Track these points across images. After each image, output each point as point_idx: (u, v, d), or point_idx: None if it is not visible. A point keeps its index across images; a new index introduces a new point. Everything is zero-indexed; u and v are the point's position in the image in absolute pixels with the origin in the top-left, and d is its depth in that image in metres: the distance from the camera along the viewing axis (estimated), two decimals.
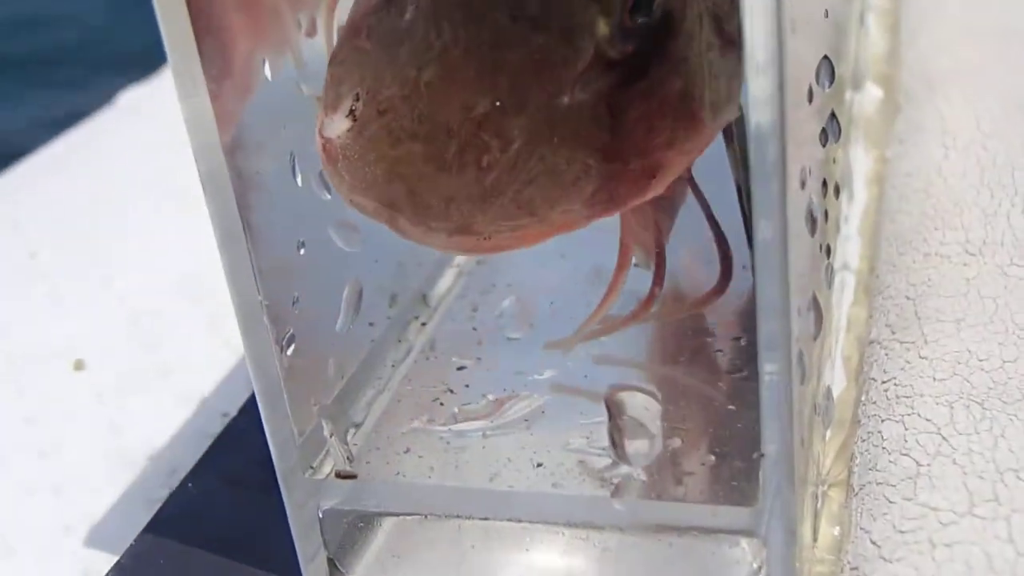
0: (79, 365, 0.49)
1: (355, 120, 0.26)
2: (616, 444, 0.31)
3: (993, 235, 0.43)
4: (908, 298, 0.41)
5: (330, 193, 0.32)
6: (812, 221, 0.31)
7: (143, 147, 0.72)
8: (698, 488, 0.30)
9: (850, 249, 0.47)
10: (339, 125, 0.26)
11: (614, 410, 0.31)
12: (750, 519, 0.29)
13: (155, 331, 0.51)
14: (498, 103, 0.26)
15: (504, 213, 0.27)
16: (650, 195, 0.29)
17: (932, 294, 0.41)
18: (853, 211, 0.50)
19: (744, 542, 0.30)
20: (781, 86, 0.25)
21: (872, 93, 0.60)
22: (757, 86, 0.25)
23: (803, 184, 0.28)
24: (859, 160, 0.54)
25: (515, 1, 0.26)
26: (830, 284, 0.37)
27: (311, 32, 0.32)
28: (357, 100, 0.26)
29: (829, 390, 0.38)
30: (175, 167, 0.64)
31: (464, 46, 0.26)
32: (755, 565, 0.30)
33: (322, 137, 0.27)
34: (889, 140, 0.55)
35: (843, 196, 0.48)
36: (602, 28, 0.27)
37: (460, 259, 0.41)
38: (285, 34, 0.31)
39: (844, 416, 0.38)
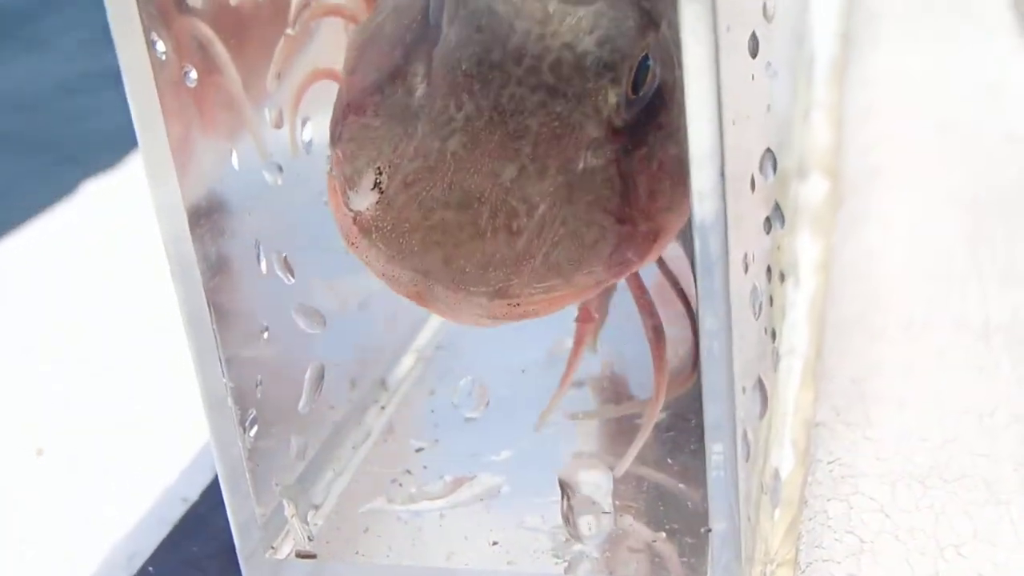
0: (40, 452, 0.49)
1: (382, 192, 0.27)
2: (570, 522, 0.32)
3: (931, 319, 0.45)
4: (853, 381, 0.43)
5: (293, 277, 0.33)
6: (757, 306, 0.32)
7: (105, 238, 0.72)
8: (649, 565, 0.31)
9: (797, 334, 0.48)
10: (367, 198, 0.28)
11: (568, 489, 0.32)
12: None
13: (115, 417, 0.52)
14: (523, 169, 0.27)
15: (536, 276, 0.28)
16: (652, 258, 0.30)
17: (875, 376, 0.42)
18: (800, 297, 0.51)
19: None
20: (722, 178, 0.26)
21: (818, 184, 0.62)
22: (700, 178, 0.26)
23: (746, 268, 0.30)
24: (806, 248, 0.55)
25: (531, 72, 0.28)
26: (776, 367, 0.38)
27: (279, 124, 0.33)
28: (380, 173, 0.28)
29: (777, 471, 0.39)
30: (135, 258, 0.65)
31: (487, 116, 0.28)
32: None
33: (351, 211, 0.28)
34: (833, 229, 0.56)
35: (789, 283, 0.49)
36: (611, 97, 0.28)
37: (419, 344, 0.42)
38: (252, 126, 0.32)
39: (792, 496, 0.39)
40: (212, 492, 0.43)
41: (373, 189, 0.28)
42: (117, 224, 0.73)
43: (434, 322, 0.43)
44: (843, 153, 0.64)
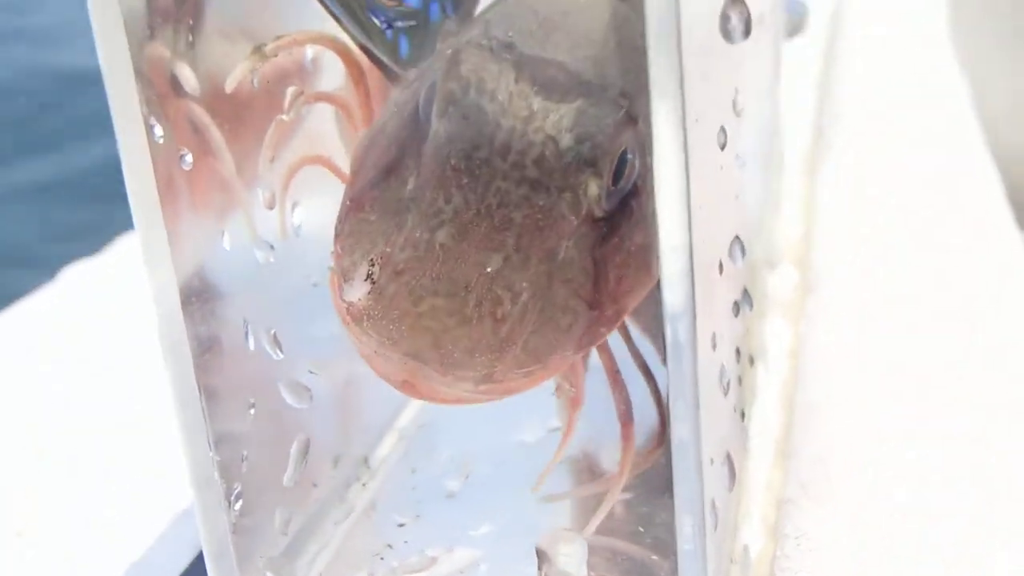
0: (19, 534, 0.50)
1: (373, 283, 0.29)
2: None
3: (889, 393, 0.47)
4: (817, 458, 0.44)
5: (282, 352, 0.34)
6: (725, 383, 0.34)
7: (85, 324, 0.73)
8: None
9: (768, 417, 0.50)
10: (360, 289, 0.29)
11: (545, 558, 0.33)
12: None
13: (95, 499, 0.52)
14: (507, 259, 0.29)
15: (518, 361, 0.29)
16: (608, 334, 0.32)
17: (838, 454, 0.44)
18: (771, 382, 0.53)
19: None
20: (691, 265, 0.28)
21: (788, 274, 0.64)
22: (669, 266, 0.28)
23: (714, 347, 0.31)
24: (776, 335, 0.57)
25: (516, 167, 0.29)
26: (746, 445, 0.40)
27: (271, 205, 0.35)
28: (373, 265, 0.29)
29: (747, 548, 0.40)
30: (117, 342, 0.66)
31: (474, 208, 0.29)
32: None
33: (344, 301, 0.29)
34: (802, 317, 0.58)
35: (759, 367, 0.51)
36: (592, 189, 0.30)
37: (401, 424, 0.43)
38: (245, 207, 0.34)
39: (761, 572, 0.40)
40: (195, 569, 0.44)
41: (366, 280, 0.29)
42: (97, 309, 0.74)
43: (416, 402, 0.44)
44: (813, 238, 0.66)
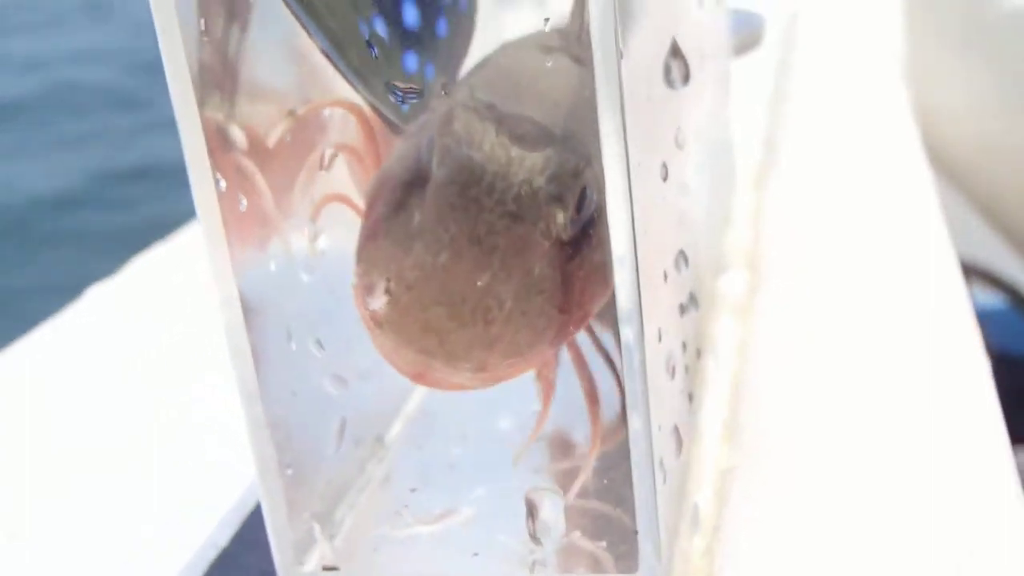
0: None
1: (390, 295, 0.38)
2: (532, 535, 0.42)
3: (824, 377, 0.56)
4: (761, 431, 0.53)
5: (324, 350, 0.43)
6: (671, 370, 0.43)
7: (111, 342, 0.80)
8: (592, 564, 0.41)
9: (719, 402, 0.59)
10: (380, 300, 0.38)
11: (532, 508, 0.42)
12: None
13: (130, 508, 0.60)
14: (494, 276, 0.37)
15: (505, 354, 0.38)
16: (575, 334, 0.40)
17: (779, 424, 0.53)
18: (721, 375, 0.61)
19: None
20: (637, 275, 0.37)
21: (737, 277, 0.73)
22: (619, 276, 0.37)
23: (660, 339, 0.40)
24: (726, 332, 0.66)
25: (499, 203, 0.38)
26: (695, 424, 0.49)
27: (303, 233, 0.43)
28: (389, 282, 0.38)
29: (696, 506, 0.49)
30: (143, 360, 0.73)
31: (467, 237, 0.38)
32: None
33: (367, 310, 0.38)
34: (751, 314, 0.67)
35: (709, 360, 0.60)
36: (560, 219, 0.39)
37: (408, 410, 0.52)
38: (284, 237, 0.42)
39: (708, 526, 0.49)
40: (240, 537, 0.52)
41: (384, 294, 0.38)
42: (122, 327, 0.82)
43: (419, 393, 0.53)
44: (762, 244, 0.75)
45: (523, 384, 0.48)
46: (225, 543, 0.52)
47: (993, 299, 1.56)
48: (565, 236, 0.39)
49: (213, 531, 0.54)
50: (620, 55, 0.35)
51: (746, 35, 1.27)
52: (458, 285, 0.38)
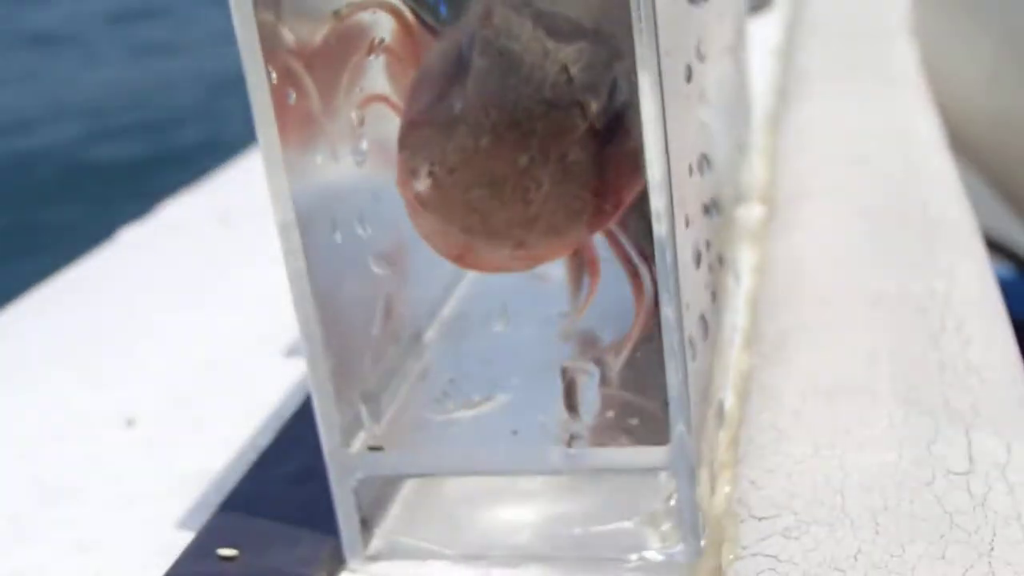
0: (130, 422, 0.61)
1: (434, 178, 0.40)
2: (570, 407, 0.44)
3: (835, 292, 0.58)
4: (777, 337, 0.55)
5: (366, 232, 0.45)
6: (698, 258, 0.45)
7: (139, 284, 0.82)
8: (626, 436, 0.43)
9: (738, 316, 0.61)
10: (424, 183, 0.40)
11: (568, 382, 0.44)
12: (664, 457, 0.42)
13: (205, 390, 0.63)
14: (532, 158, 0.40)
15: (542, 232, 0.41)
16: (613, 222, 0.43)
17: (795, 330, 0.55)
18: (741, 291, 0.64)
19: (661, 474, 0.43)
20: (668, 171, 0.39)
21: (755, 209, 0.75)
22: (652, 171, 0.38)
23: (687, 224, 0.42)
24: (745, 256, 0.68)
25: (537, 90, 0.40)
26: (715, 318, 0.51)
27: (347, 130, 0.45)
28: (432, 165, 0.40)
29: (721, 402, 0.51)
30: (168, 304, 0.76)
31: (506, 122, 0.40)
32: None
33: (411, 193, 0.40)
34: (767, 240, 0.69)
35: (730, 277, 0.62)
36: (593, 107, 0.41)
37: (443, 315, 0.54)
38: (328, 134, 0.44)
39: (732, 420, 0.51)
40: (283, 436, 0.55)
41: (427, 176, 0.40)
42: (152, 270, 0.84)
43: (455, 298, 0.55)
44: (777, 180, 0.78)
45: (553, 290, 0.51)
46: (266, 443, 0.55)
47: (1002, 268, 1.58)
48: (598, 124, 0.41)
49: (255, 433, 0.56)
50: None
51: None
52: (498, 166, 0.40)
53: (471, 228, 0.40)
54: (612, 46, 0.42)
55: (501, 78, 0.40)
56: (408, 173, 0.41)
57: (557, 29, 0.41)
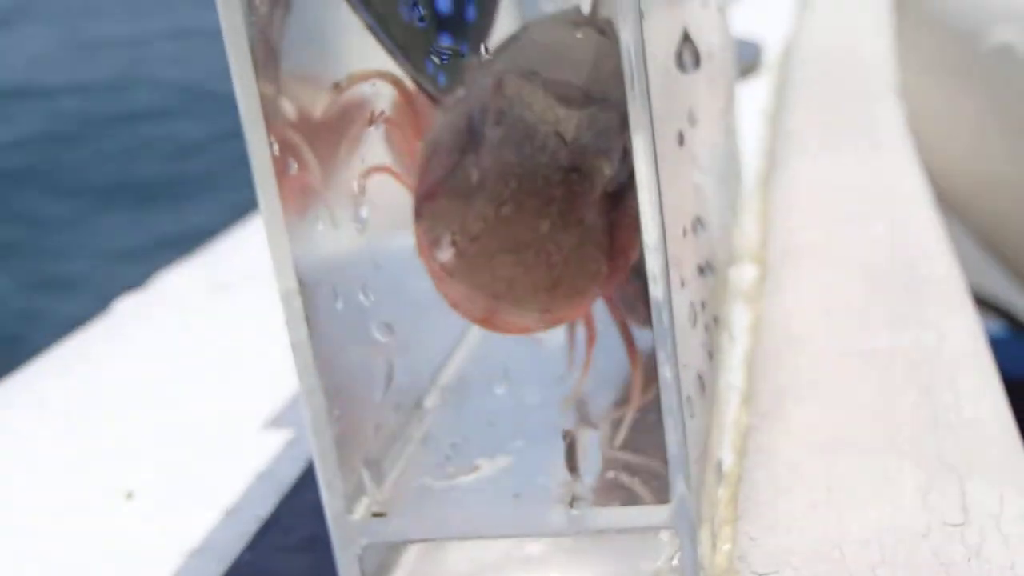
0: (129, 495, 0.61)
1: (456, 247, 0.41)
2: (571, 468, 0.44)
3: (828, 349, 0.59)
4: (773, 395, 0.56)
5: (368, 300, 0.46)
6: (694, 318, 0.46)
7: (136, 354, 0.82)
8: (627, 497, 0.44)
9: (734, 374, 0.62)
10: (447, 252, 0.41)
11: (569, 443, 0.44)
12: (666, 516, 0.42)
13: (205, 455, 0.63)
14: (553, 224, 0.41)
15: (566, 295, 0.42)
16: (623, 279, 0.44)
17: (791, 388, 0.56)
18: (736, 350, 0.64)
19: (663, 534, 0.43)
20: (663, 232, 0.39)
21: (748, 269, 0.76)
22: (648, 234, 0.39)
23: (683, 285, 0.43)
24: (739, 315, 0.69)
25: (553, 158, 0.41)
26: (712, 375, 0.52)
27: (347, 201, 0.46)
28: (454, 235, 0.41)
29: (720, 461, 0.52)
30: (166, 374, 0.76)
31: (526, 190, 0.41)
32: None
33: (435, 262, 0.42)
34: (761, 299, 0.70)
35: (725, 336, 0.63)
36: (607, 171, 0.42)
37: (442, 381, 0.55)
38: (329, 203, 0.45)
39: (732, 479, 0.52)
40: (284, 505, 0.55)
41: (450, 246, 0.41)
42: (149, 340, 0.85)
43: (455, 362, 0.56)
44: (768, 241, 0.79)
45: (556, 354, 0.51)
46: (268, 513, 0.55)
47: (992, 325, 1.59)
48: (611, 188, 0.42)
49: (255, 503, 0.57)
50: (642, 17, 0.38)
51: (744, 61, 1.32)
52: (521, 233, 0.41)
53: (498, 294, 0.41)
54: (621, 112, 0.43)
55: (517, 147, 0.41)
56: (430, 243, 0.42)
57: (567, 97, 0.42)
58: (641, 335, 0.47)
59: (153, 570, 0.53)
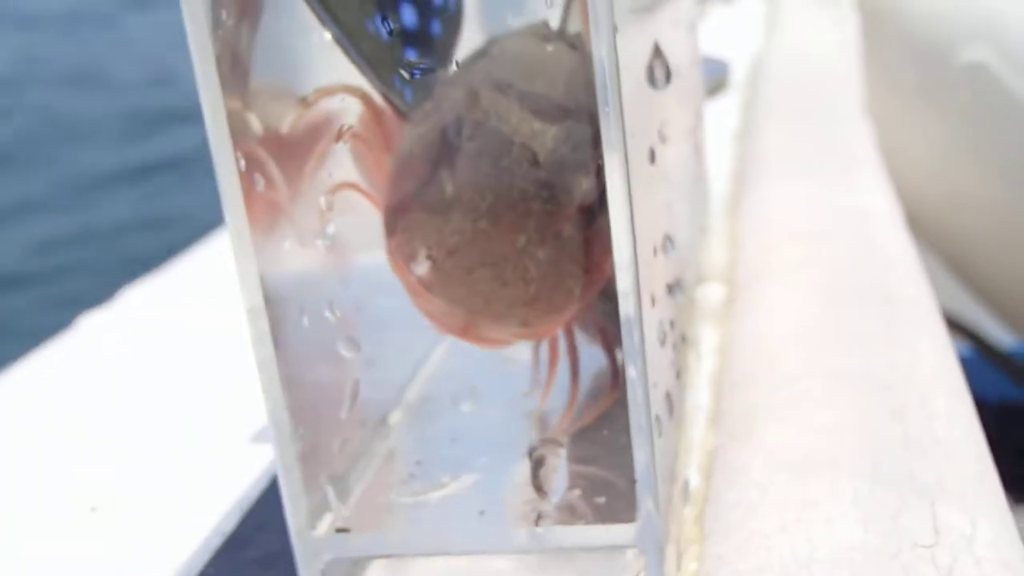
0: (93, 509, 0.60)
1: (432, 261, 0.40)
2: (538, 487, 0.44)
3: (797, 369, 0.58)
4: (742, 415, 0.56)
5: (335, 316, 0.45)
6: (663, 337, 0.45)
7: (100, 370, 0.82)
8: (593, 515, 0.44)
9: (701, 395, 0.61)
10: (423, 266, 0.41)
11: (536, 461, 0.44)
12: (632, 534, 0.42)
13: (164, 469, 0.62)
14: (529, 238, 0.40)
15: (544, 310, 0.42)
16: (595, 294, 0.43)
17: (760, 408, 0.55)
18: (703, 370, 0.64)
19: (629, 552, 0.43)
20: (634, 248, 0.39)
21: (715, 290, 0.76)
22: (618, 252, 0.39)
23: (653, 304, 0.43)
24: (706, 335, 0.69)
25: (529, 171, 0.41)
26: (679, 393, 0.51)
27: (315, 217, 0.46)
28: (430, 249, 0.41)
29: (687, 481, 0.52)
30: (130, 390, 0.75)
31: (503, 203, 0.41)
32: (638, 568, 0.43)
33: (411, 276, 0.41)
34: (728, 320, 0.70)
35: (692, 356, 0.63)
36: (584, 184, 0.41)
37: (407, 398, 0.54)
38: (294, 219, 0.45)
39: (698, 499, 0.52)
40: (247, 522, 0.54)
41: (426, 260, 0.41)
42: (113, 356, 0.84)
43: (421, 379, 0.55)
44: (737, 261, 0.78)
45: (520, 372, 0.51)
46: (231, 528, 0.54)
47: (959, 346, 1.60)
48: (587, 201, 0.42)
49: (220, 520, 0.56)
50: (615, 31, 0.38)
51: (712, 80, 1.32)
52: (498, 247, 0.41)
53: (476, 309, 0.41)
54: (596, 126, 0.43)
55: (493, 160, 0.41)
56: (404, 257, 0.41)
57: (542, 110, 0.42)
58: (594, 355, 0.47)
59: None
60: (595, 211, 0.42)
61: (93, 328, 0.89)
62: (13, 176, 3.96)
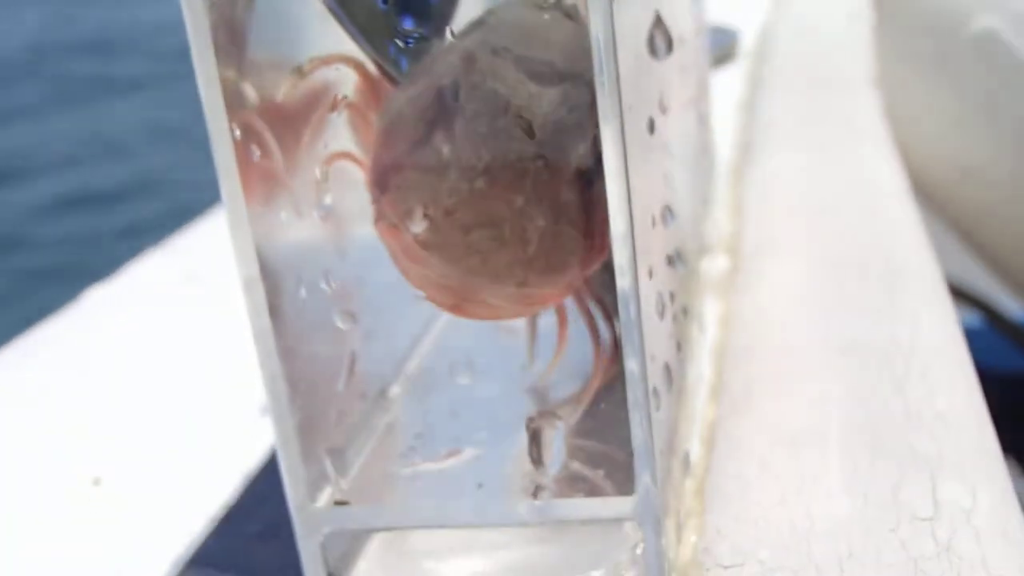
0: (96, 481, 0.60)
1: (430, 220, 0.40)
2: (535, 459, 0.44)
3: (800, 341, 0.58)
4: (743, 388, 0.55)
5: (331, 288, 0.45)
6: (662, 309, 0.45)
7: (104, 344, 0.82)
8: (590, 488, 0.43)
9: (704, 367, 0.61)
10: (420, 225, 0.40)
11: (533, 433, 0.44)
12: (630, 507, 0.42)
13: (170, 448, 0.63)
14: (527, 198, 0.40)
15: (543, 271, 0.41)
16: (600, 262, 0.43)
17: (761, 380, 0.55)
18: (705, 341, 0.64)
19: (627, 525, 0.43)
20: (631, 219, 0.39)
21: (719, 260, 0.76)
22: (616, 224, 0.39)
23: (651, 276, 0.42)
24: (709, 307, 0.69)
25: (527, 133, 0.40)
26: (680, 368, 0.51)
27: (311, 187, 0.45)
28: (427, 207, 0.40)
29: (687, 453, 0.51)
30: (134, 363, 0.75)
31: (500, 163, 0.40)
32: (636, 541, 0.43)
33: (406, 235, 0.41)
34: (732, 291, 0.70)
35: (694, 326, 0.62)
36: (581, 148, 0.41)
37: (407, 371, 0.54)
38: (290, 189, 0.45)
39: (699, 471, 0.51)
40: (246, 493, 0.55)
41: (423, 219, 0.40)
42: (118, 330, 0.84)
43: (420, 353, 0.55)
44: (741, 232, 0.78)
45: (518, 349, 0.51)
46: (232, 500, 0.54)
47: (969, 317, 1.59)
48: (584, 165, 0.41)
49: (220, 491, 0.56)
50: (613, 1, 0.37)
51: (721, 49, 1.31)
52: (495, 207, 0.40)
53: (473, 269, 0.40)
54: (593, 91, 0.42)
55: (490, 121, 0.41)
56: (400, 215, 0.41)
57: (537, 73, 0.42)
58: (606, 323, 0.47)
59: (118, 556, 0.53)
60: (592, 176, 0.42)
61: (98, 300, 0.89)
62: None
